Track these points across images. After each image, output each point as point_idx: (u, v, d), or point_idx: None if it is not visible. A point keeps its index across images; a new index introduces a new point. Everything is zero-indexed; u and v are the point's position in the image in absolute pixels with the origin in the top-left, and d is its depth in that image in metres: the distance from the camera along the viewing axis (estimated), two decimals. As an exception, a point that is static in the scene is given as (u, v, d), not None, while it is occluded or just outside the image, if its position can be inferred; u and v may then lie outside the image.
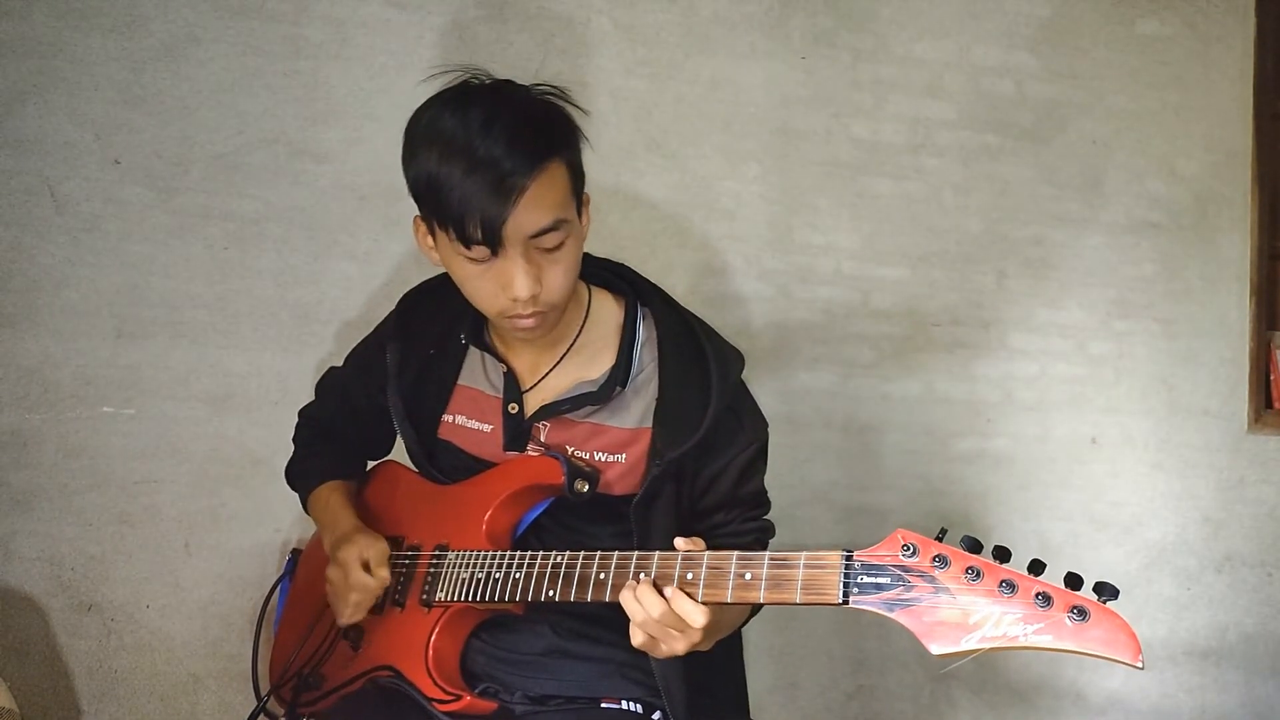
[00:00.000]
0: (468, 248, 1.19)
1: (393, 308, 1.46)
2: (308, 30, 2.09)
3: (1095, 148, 2.44)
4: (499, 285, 1.21)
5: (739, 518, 1.33)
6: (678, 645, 1.14)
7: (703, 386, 1.29)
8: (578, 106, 1.26)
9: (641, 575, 1.14)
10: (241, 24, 2.06)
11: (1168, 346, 2.46)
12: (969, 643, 0.97)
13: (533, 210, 1.16)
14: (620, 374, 1.31)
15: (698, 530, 1.32)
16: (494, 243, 1.17)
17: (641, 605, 1.12)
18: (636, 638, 1.15)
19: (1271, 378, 2.49)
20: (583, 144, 1.25)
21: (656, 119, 2.25)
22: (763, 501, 1.37)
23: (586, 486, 1.27)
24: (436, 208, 1.19)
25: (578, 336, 1.34)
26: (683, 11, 2.27)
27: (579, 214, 1.25)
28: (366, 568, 1.30)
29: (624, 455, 1.30)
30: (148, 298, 2.02)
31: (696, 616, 1.10)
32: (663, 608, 1.11)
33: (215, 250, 2.05)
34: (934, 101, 2.37)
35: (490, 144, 1.15)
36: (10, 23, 1.97)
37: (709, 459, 1.30)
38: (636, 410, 1.30)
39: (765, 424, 1.37)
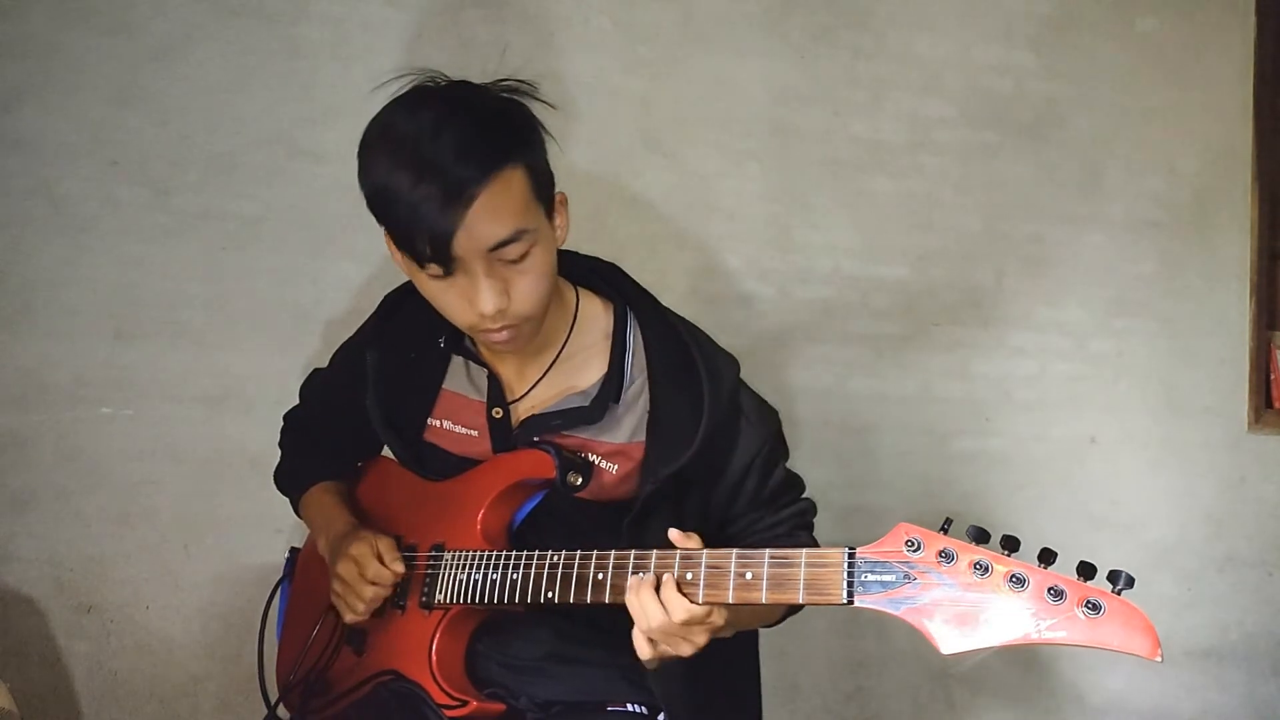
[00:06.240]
0: (421, 265, 1.14)
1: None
2: (305, 30, 2.09)
3: (1095, 145, 2.43)
4: (465, 300, 1.16)
5: (769, 511, 1.31)
6: (683, 649, 1.12)
7: (695, 400, 1.25)
8: (545, 101, 1.20)
9: (641, 575, 1.11)
10: (239, 24, 2.06)
11: (1167, 345, 2.45)
12: (979, 641, 0.95)
13: (487, 222, 1.11)
14: (612, 389, 1.28)
15: (731, 533, 1.30)
16: (445, 260, 1.12)
17: (644, 611, 1.09)
18: (641, 646, 1.12)
19: (1271, 377, 2.49)
20: (548, 142, 1.19)
21: (655, 118, 2.24)
22: (793, 486, 1.35)
23: (580, 479, 1.25)
24: (386, 220, 1.15)
25: (565, 344, 1.31)
26: (681, 10, 2.26)
27: (549, 217, 1.20)
28: (380, 560, 1.28)
29: (615, 466, 1.28)
30: (145, 298, 2.02)
31: (679, 614, 1.08)
32: (662, 617, 1.08)
33: (213, 250, 2.05)
34: (933, 99, 2.36)
35: (439, 148, 1.09)
36: (7, 23, 1.97)
37: (723, 468, 1.27)
38: (628, 425, 1.28)
39: (774, 414, 1.34)
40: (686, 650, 1.12)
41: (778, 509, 1.32)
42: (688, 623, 1.09)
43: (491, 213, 1.10)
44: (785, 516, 1.32)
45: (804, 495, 1.36)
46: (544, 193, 1.18)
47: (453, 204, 1.09)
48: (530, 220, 1.14)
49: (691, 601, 1.09)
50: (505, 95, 1.19)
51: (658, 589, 1.10)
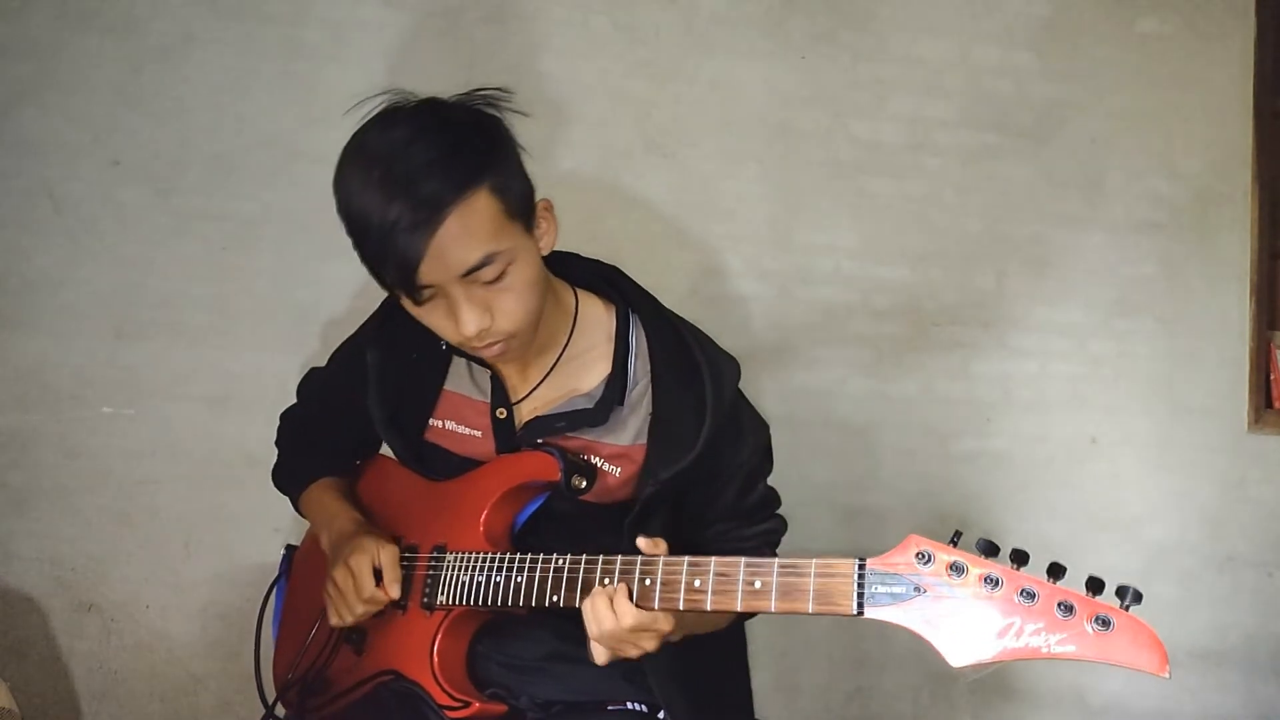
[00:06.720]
0: (394, 296, 1.15)
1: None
2: (305, 31, 2.09)
3: (1095, 147, 2.43)
4: (450, 320, 1.15)
5: (744, 524, 1.32)
6: (631, 652, 1.13)
7: (698, 402, 1.24)
8: (519, 111, 1.19)
9: (605, 582, 1.12)
10: (239, 25, 2.06)
11: (1168, 345, 2.45)
12: (989, 654, 0.95)
13: (456, 248, 1.09)
14: (616, 391, 1.28)
15: (705, 536, 1.30)
16: (412, 290, 1.11)
17: (595, 619, 1.10)
18: (598, 653, 1.13)
19: (1271, 377, 2.48)
20: (537, 144, 1.18)
21: (656, 119, 2.24)
22: (769, 502, 1.35)
23: (584, 482, 1.24)
24: (360, 247, 1.13)
25: (566, 345, 1.30)
26: (682, 11, 2.26)
27: (529, 229, 1.18)
28: (378, 575, 1.27)
29: (619, 469, 1.28)
30: (146, 298, 2.02)
31: (627, 619, 1.09)
32: (612, 623, 1.10)
33: (213, 251, 2.05)
34: (934, 101, 2.36)
35: (410, 167, 1.08)
36: (8, 24, 1.98)
37: (712, 473, 1.27)
38: (632, 427, 1.28)
39: (766, 427, 1.35)
40: (633, 653, 1.13)
41: (753, 523, 1.32)
42: (635, 629, 1.10)
43: (459, 238, 1.09)
44: (758, 532, 1.32)
45: (777, 512, 1.37)
46: (519, 208, 1.16)
47: (422, 225, 1.08)
48: (503, 241, 1.13)
49: (699, 608, 1.09)
50: (477, 109, 1.18)
51: (616, 598, 1.11)
